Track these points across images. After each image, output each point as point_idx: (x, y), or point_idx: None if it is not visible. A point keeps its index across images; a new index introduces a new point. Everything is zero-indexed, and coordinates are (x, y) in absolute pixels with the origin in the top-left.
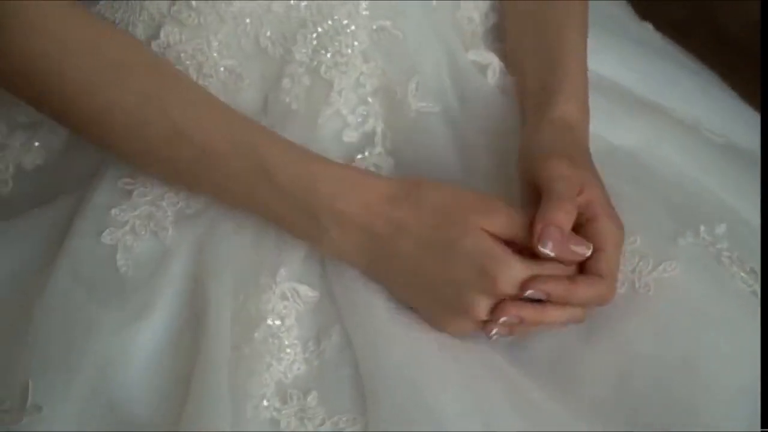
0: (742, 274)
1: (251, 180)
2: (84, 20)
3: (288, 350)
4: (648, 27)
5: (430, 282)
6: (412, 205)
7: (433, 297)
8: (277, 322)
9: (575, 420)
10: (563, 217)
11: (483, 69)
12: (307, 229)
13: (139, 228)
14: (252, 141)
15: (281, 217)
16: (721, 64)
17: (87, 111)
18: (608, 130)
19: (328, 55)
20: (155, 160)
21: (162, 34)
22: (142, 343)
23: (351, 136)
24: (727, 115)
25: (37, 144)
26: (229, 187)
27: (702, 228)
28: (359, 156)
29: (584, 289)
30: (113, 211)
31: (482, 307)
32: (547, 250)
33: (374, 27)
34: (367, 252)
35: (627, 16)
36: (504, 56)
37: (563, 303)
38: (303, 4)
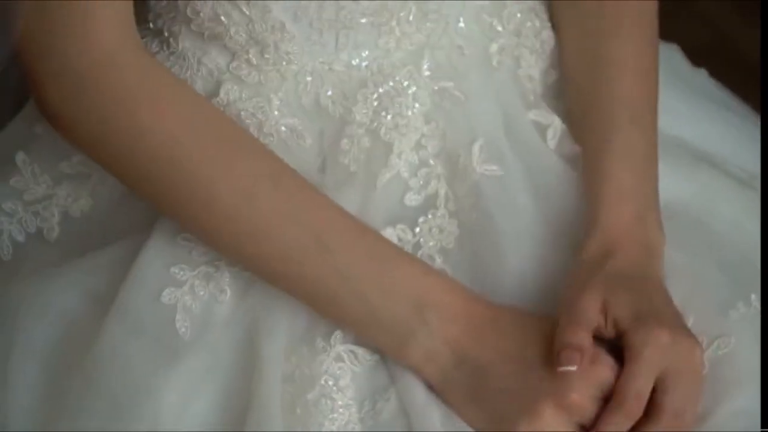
0: None
1: (359, 266)
2: (186, 85)
3: (341, 410)
4: (702, 73)
5: (526, 365)
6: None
7: (525, 383)
8: (330, 383)
9: None
10: (573, 338)
11: (543, 130)
12: (406, 323)
13: (197, 288)
14: (365, 228)
15: (376, 308)
16: (741, 89)
17: (191, 186)
18: (662, 186)
19: (389, 117)
20: (254, 247)
21: (222, 92)
22: (195, 402)
23: (413, 200)
24: None
25: (83, 194)
26: (327, 280)
27: (753, 296)
28: (422, 218)
29: (602, 423)
30: (172, 270)
31: (577, 388)
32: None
33: (435, 88)
34: (461, 346)
35: (680, 61)
36: (565, 116)
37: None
38: (364, 64)
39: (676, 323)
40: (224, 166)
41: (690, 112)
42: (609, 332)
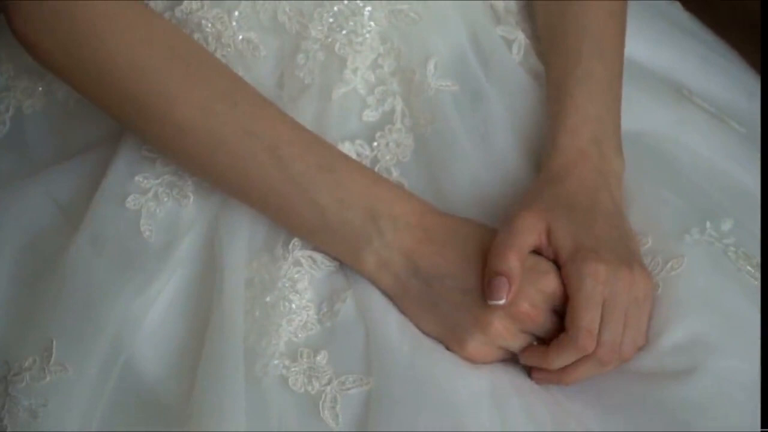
0: (749, 267)
1: (313, 176)
2: (149, 11)
3: (301, 311)
4: (677, 6)
5: (478, 276)
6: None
7: (477, 295)
8: (288, 285)
9: (579, 406)
10: (501, 264)
11: (509, 44)
12: (361, 231)
13: (161, 195)
14: (319, 140)
15: (330, 217)
16: (741, 39)
17: (153, 103)
18: (631, 115)
19: (343, 33)
20: (211, 159)
21: (185, 1)
22: (158, 306)
23: (371, 116)
24: (751, 100)
25: (40, 89)
26: (282, 190)
27: (708, 224)
28: (379, 133)
29: (555, 355)
30: (137, 178)
31: (526, 297)
32: (499, 302)
33: (390, 9)
34: (415, 255)
35: None
36: (535, 36)
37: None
38: None
39: (616, 254)
40: (184, 83)
41: (665, 44)
42: (549, 256)
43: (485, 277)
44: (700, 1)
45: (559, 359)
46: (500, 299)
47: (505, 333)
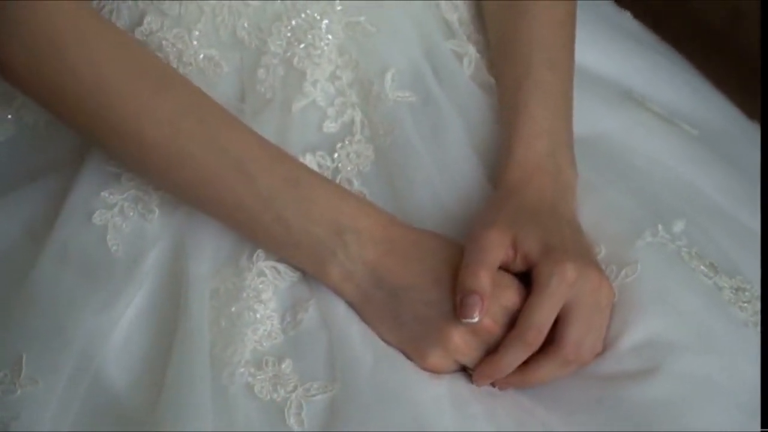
0: (702, 267)
1: (279, 191)
2: (113, 27)
3: (265, 321)
4: (627, 15)
5: (441, 291)
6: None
7: (439, 309)
8: (252, 296)
9: (542, 409)
10: (474, 283)
11: (460, 58)
12: (325, 244)
13: (127, 210)
14: (284, 155)
15: (296, 231)
16: (696, 52)
17: (118, 120)
18: (582, 120)
19: (302, 47)
20: (178, 174)
21: (145, 22)
22: (126, 319)
23: (331, 127)
24: (701, 104)
25: (9, 117)
26: (249, 204)
27: (660, 227)
28: (339, 144)
29: (503, 353)
30: (102, 194)
31: (488, 313)
32: (472, 321)
33: (347, 22)
34: (379, 268)
35: (606, 3)
36: (487, 46)
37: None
38: (278, 1)
39: (585, 257)
40: (150, 100)
41: (615, 51)
42: (518, 266)
43: (457, 295)
44: (652, 15)
45: (507, 357)
46: (473, 317)
47: (464, 347)
